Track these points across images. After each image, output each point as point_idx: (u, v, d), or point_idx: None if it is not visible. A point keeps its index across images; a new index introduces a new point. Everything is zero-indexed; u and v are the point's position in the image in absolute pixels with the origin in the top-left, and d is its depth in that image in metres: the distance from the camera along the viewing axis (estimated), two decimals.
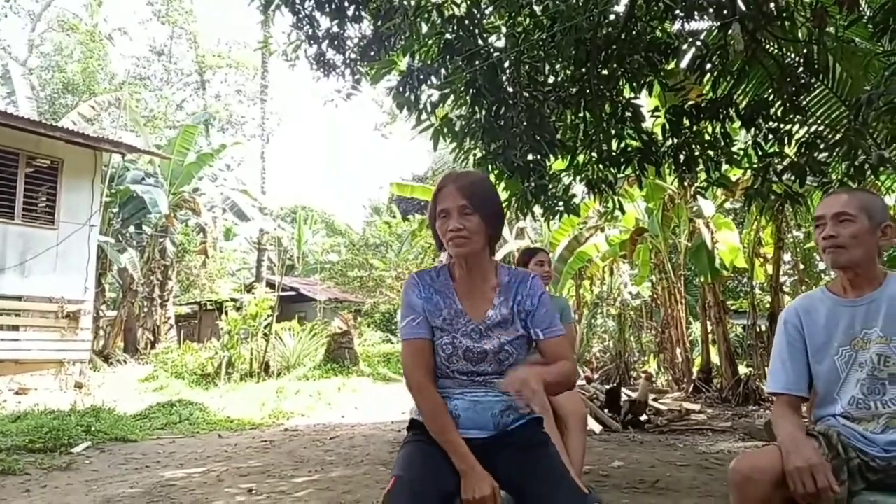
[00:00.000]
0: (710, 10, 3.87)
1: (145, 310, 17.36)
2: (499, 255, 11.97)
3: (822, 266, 11.20)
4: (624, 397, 7.47)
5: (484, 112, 4.38)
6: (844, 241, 1.80)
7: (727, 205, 10.84)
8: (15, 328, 10.26)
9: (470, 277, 1.83)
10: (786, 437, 1.72)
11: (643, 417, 7.01)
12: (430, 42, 4.57)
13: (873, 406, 1.78)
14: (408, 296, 1.83)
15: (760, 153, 4.28)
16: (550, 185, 4.97)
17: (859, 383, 1.80)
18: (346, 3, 4.94)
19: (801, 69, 4.15)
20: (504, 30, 4.61)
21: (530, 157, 4.50)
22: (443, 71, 4.38)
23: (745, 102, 4.48)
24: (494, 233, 1.81)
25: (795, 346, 1.91)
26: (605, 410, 7.20)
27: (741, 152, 4.59)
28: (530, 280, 1.86)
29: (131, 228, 18.32)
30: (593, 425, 6.55)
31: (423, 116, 4.50)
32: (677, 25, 4.36)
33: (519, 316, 1.81)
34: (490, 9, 4.63)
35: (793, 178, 4.17)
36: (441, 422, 1.72)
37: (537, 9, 4.39)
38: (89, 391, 10.40)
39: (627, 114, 4.41)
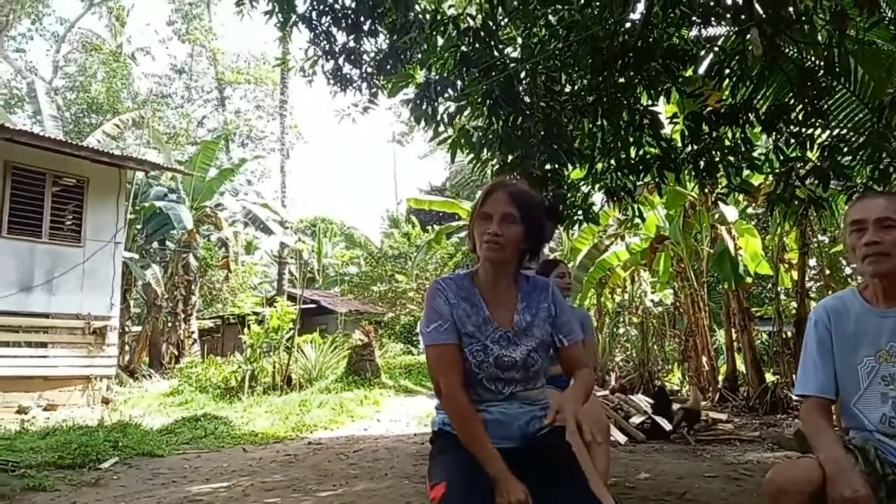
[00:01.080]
0: (727, 16, 3.84)
1: (169, 325, 17.57)
2: None
3: (848, 271, 10.99)
4: (676, 406, 7.46)
5: (501, 123, 4.38)
6: (889, 247, 1.73)
7: (750, 210, 10.70)
8: (43, 345, 10.43)
9: (495, 284, 1.85)
10: (829, 457, 1.64)
11: (697, 425, 7.00)
12: (447, 55, 4.59)
13: None
14: (434, 301, 1.82)
15: (782, 158, 4.23)
16: (569, 195, 4.96)
17: (891, 401, 1.75)
18: (363, 19, 4.99)
19: (821, 72, 4.10)
20: (520, 41, 4.62)
21: (548, 166, 4.49)
22: (459, 83, 4.40)
23: (765, 107, 4.43)
24: (530, 248, 1.83)
25: (825, 347, 1.85)
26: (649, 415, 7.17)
27: (762, 157, 4.53)
28: (550, 287, 1.92)
29: (155, 244, 18.63)
30: (618, 436, 6.49)
31: (441, 128, 4.52)
32: (694, 32, 4.34)
33: (545, 322, 1.86)
34: (506, 20, 4.64)
35: (816, 182, 4.11)
36: (472, 428, 1.73)
37: (553, 19, 4.40)
38: (116, 406, 10.55)
39: (645, 121, 4.39)
